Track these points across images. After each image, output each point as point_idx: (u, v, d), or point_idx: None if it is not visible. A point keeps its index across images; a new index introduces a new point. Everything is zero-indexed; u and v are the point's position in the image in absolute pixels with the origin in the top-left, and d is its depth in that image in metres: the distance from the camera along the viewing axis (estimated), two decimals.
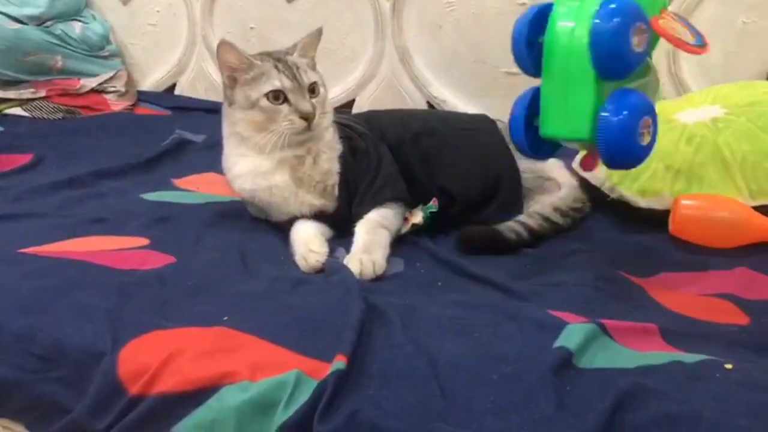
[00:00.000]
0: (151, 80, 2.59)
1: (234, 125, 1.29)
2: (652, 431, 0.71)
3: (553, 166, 1.50)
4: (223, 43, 1.25)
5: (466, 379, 0.80)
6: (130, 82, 2.50)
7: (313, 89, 1.26)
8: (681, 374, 0.82)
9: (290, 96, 1.23)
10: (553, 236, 1.36)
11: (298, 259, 1.18)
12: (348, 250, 1.20)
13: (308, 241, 1.21)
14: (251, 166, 1.28)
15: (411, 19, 2.07)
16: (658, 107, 1.62)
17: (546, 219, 1.36)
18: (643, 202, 1.44)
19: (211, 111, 2.34)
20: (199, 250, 1.24)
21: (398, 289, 1.12)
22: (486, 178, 1.38)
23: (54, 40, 2.31)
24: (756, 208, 1.36)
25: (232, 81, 1.27)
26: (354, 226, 1.24)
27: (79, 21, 2.43)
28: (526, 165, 1.44)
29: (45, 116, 2.26)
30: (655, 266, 1.26)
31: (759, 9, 1.74)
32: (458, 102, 2.09)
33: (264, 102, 1.23)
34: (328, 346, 0.85)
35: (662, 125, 1.50)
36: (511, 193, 1.39)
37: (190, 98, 2.49)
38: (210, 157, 1.88)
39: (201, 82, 2.50)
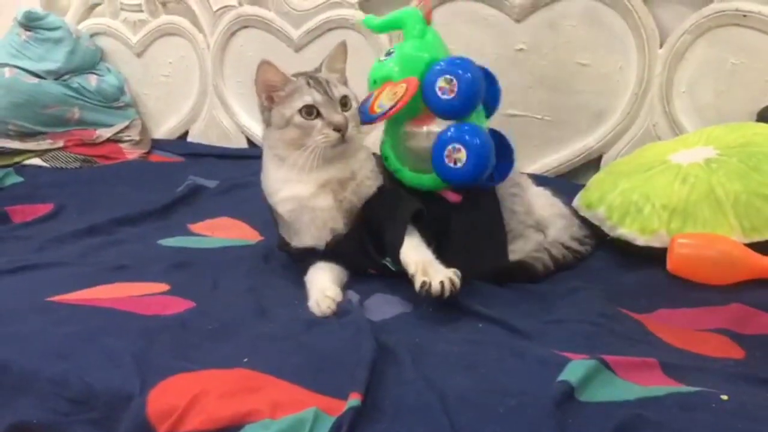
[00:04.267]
0: (164, 128, 2.67)
1: (273, 147, 1.33)
2: None
3: (551, 206, 1.58)
4: (264, 63, 1.29)
5: (474, 413, 0.85)
6: (144, 130, 2.59)
7: (344, 103, 1.30)
8: (678, 405, 0.86)
9: (322, 110, 1.26)
10: (555, 273, 1.41)
11: (312, 304, 1.22)
12: (359, 291, 1.25)
13: (323, 288, 1.25)
14: (295, 191, 1.31)
15: None
16: (656, 148, 1.71)
17: (567, 248, 1.46)
18: (641, 240, 1.49)
19: (223, 157, 2.43)
20: (217, 295, 1.29)
21: (407, 328, 1.17)
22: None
23: (71, 93, 2.41)
24: (749, 245, 1.40)
25: (269, 101, 1.32)
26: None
27: (95, 74, 2.53)
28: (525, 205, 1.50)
29: (63, 166, 2.34)
30: (653, 302, 1.30)
31: (747, 50, 1.81)
32: None
33: (298, 118, 1.26)
34: (342, 384, 0.89)
35: (658, 166, 1.59)
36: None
37: (202, 145, 2.57)
38: (223, 201, 1.97)
39: (213, 129, 2.58)
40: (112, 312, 1.16)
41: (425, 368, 0.97)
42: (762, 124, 1.67)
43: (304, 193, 1.31)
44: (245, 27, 2.43)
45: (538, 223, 1.52)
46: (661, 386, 0.92)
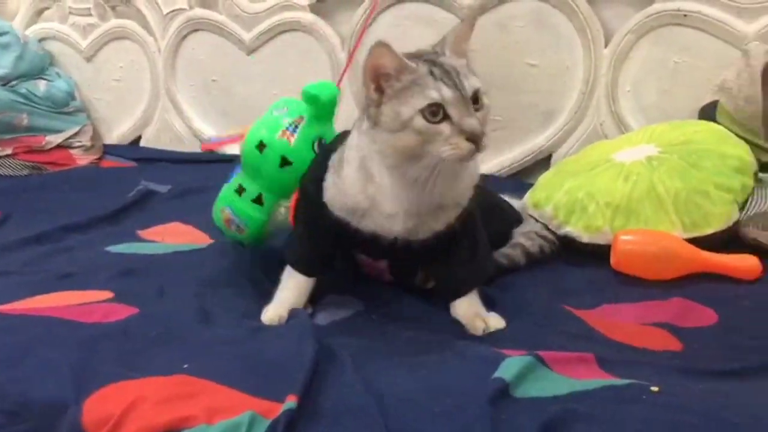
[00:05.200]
0: (116, 133, 2.65)
1: (381, 153, 1.04)
2: None
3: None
4: (379, 44, 0.98)
5: (411, 413, 0.86)
6: (95, 136, 2.56)
7: (476, 99, 1.00)
8: (610, 398, 0.88)
9: (452, 111, 0.97)
10: (505, 274, 1.42)
11: (264, 311, 1.20)
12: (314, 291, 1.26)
13: (283, 304, 1.20)
14: (375, 204, 1.09)
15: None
16: (601, 147, 1.75)
17: (543, 238, 1.48)
18: (586, 238, 1.52)
19: (177, 161, 2.42)
20: (162, 301, 1.27)
21: (356, 330, 1.18)
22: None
23: (19, 99, 2.37)
24: (690, 241, 1.44)
25: (380, 94, 1.01)
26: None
27: (44, 79, 2.50)
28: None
29: (11, 173, 2.31)
30: (597, 299, 1.32)
31: (690, 50, 1.85)
32: None
33: (419, 121, 0.97)
34: (281, 387, 0.89)
35: (602, 164, 1.62)
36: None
37: (155, 149, 2.55)
38: (174, 206, 1.95)
39: (165, 133, 2.57)
40: (53, 321, 1.14)
41: (367, 370, 0.97)
42: (703, 122, 1.71)
43: (387, 210, 1.08)
44: (196, 30, 2.42)
45: None
46: (595, 379, 0.94)
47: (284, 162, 1.30)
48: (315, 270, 1.25)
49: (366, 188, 1.08)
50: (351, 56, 1.32)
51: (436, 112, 0.96)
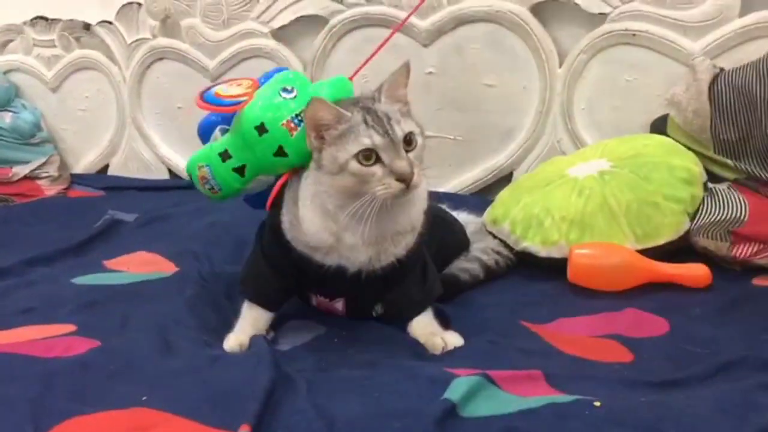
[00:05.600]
0: (84, 163, 2.67)
1: (327, 194, 1.13)
2: None
3: (466, 222, 1.66)
4: (315, 100, 1.08)
5: None
6: (62, 166, 2.58)
7: (409, 141, 1.09)
8: (553, 414, 0.91)
9: (383, 155, 1.06)
10: (465, 290, 1.47)
11: (226, 339, 1.22)
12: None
13: (243, 329, 1.24)
14: (335, 239, 1.15)
15: None
16: (556, 163, 1.79)
17: (498, 253, 1.54)
18: (543, 252, 1.56)
19: (145, 189, 2.43)
20: (124, 332, 1.28)
21: (315, 354, 1.20)
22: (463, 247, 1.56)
23: None
24: (642, 251, 1.49)
25: (319, 141, 1.11)
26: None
27: (10, 111, 2.52)
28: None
29: None
30: (553, 312, 1.36)
31: (638, 67, 1.91)
32: None
33: (354, 165, 1.06)
34: (235, 416, 0.91)
35: (557, 180, 1.66)
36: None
37: (123, 177, 2.58)
38: (141, 235, 1.96)
39: (133, 161, 2.59)
40: (11, 357, 1.14)
41: (320, 396, 0.99)
42: (652, 135, 1.77)
43: (349, 242, 1.15)
44: (160, 59, 2.45)
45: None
46: (541, 396, 0.97)
47: (280, 152, 1.20)
48: (275, 305, 1.29)
49: (328, 226, 1.15)
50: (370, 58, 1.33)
51: (369, 156, 1.06)
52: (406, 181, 1.06)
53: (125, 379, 1.08)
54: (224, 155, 1.26)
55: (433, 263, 1.35)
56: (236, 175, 1.27)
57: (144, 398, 1.00)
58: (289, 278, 1.27)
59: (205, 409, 0.96)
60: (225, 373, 1.08)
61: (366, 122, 1.07)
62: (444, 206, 1.68)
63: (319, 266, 1.19)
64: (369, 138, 1.06)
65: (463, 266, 1.50)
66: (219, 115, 1.32)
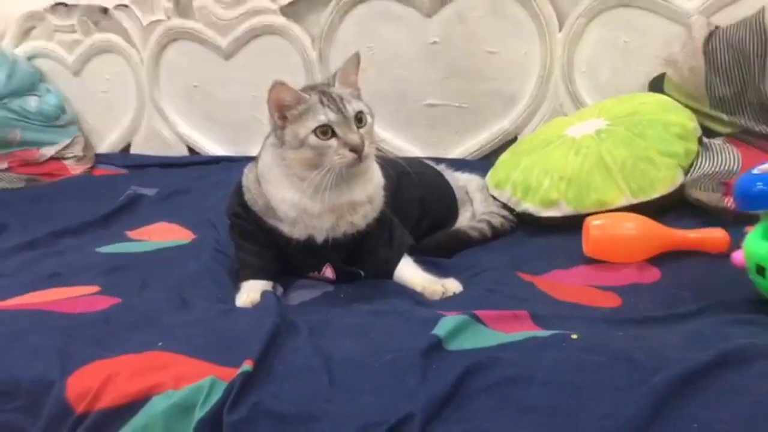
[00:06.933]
0: (107, 143, 2.75)
1: (290, 167, 1.27)
2: (490, 391, 0.87)
3: (468, 181, 1.74)
4: (276, 83, 1.23)
5: (353, 370, 0.96)
6: (87, 146, 2.67)
7: (360, 119, 1.25)
8: (532, 346, 0.97)
9: (337, 129, 1.22)
10: (473, 246, 1.54)
11: (238, 296, 1.32)
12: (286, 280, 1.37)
13: (253, 286, 1.32)
14: (301, 209, 1.29)
15: (336, 64, 2.22)
16: (555, 124, 1.83)
17: (504, 217, 1.61)
18: (543, 212, 1.60)
19: (166, 166, 2.51)
20: (143, 292, 1.36)
21: (321, 307, 1.28)
22: (449, 203, 1.63)
23: (12, 116, 2.48)
24: (637, 205, 1.52)
25: (283, 120, 1.26)
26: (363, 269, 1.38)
27: (35, 95, 2.60)
28: (454, 183, 1.68)
29: (7, 186, 2.41)
30: (550, 265, 1.40)
31: (637, 29, 1.94)
32: (388, 135, 2.26)
33: (312, 138, 1.22)
34: (241, 355, 0.99)
35: (555, 141, 1.70)
36: (455, 211, 1.64)
37: (144, 156, 2.65)
38: (162, 207, 2.05)
39: (154, 140, 2.66)
40: (40, 313, 1.24)
41: (320, 338, 1.07)
42: (649, 94, 1.81)
43: (313, 211, 1.29)
44: (176, 39, 2.51)
45: (467, 194, 1.69)
46: (523, 332, 1.03)
47: None
48: (272, 274, 1.38)
49: (290, 198, 1.30)
50: None
51: (325, 131, 1.22)
52: (357, 151, 1.22)
53: (143, 329, 1.16)
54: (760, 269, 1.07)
55: (425, 225, 1.51)
56: None
57: (160, 344, 1.09)
58: (270, 256, 1.38)
59: (215, 351, 1.04)
60: (234, 323, 1.16)
61: (322, 102, 1.23)
62: (447, 170, 1.75)
63: (289, 240, 1.33)
64: (325, 115, 1.22)
65: (474, 225, 1.59)
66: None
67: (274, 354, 1.02)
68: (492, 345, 0.99)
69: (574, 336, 0.99)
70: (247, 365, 0.96)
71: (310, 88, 1.29)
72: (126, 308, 1.27)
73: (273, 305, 1.21)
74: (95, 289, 1.39)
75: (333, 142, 1.23)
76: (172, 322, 1.19)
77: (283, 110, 1.25)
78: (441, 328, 1.02)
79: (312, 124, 1.22)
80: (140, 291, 1.38)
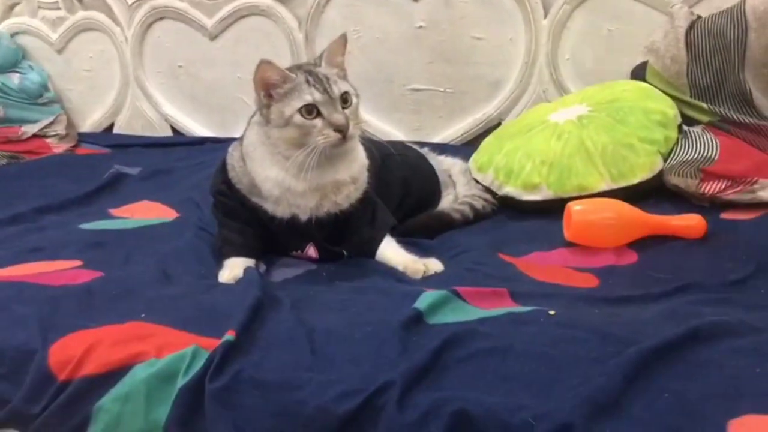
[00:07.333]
0: (90, 122, 2.73)
1: (275, 146, 1.28)
2: (468, 361, 0.89)
3: (451, 165, 1.76)
4: (263, 62, 1.23)
5: (334, 341, 0.97)
6: (70, 125, 2.64)
7: (345, 99, 1.26)
8: (510, 321, 1.00)
9: (323, 109, 1.22)
10: (454, 228, 1.55)
11: (221, 273, 1.31)
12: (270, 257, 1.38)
13: (236, 262, 1.32)
14: (285, 187, 1.29)
15: (322, 47, 2.22)
16: (539, 110, 1.85)
17: (485, 200, 1.62)
18: (525, 196, 1.62)
19: (149, 146, 2.49)
20: (126, 266, 1.37)
21: (305, 283, 1.29)
22: (432, 184, 1.64)
23: None
24: (617, 190, 1.54)
25: (268, 99, 1.27)
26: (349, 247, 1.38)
27: (18, 72, 2.57)
28: (437, 167, 1.69)
29: None
30: (530, 247, 1.42)
31: (621, 18, 1.96)
32: (372, 119, 2.26)
33: (298, 118, 1.23)
34: (223, 326, 1.00)
35: (538, 126, 1.72)
36: (438, 193, 1.65)
37: (127, 135, 2.64)
38: (145, 186, 2.03)
39: (137, 120, 2.64)
40: (23, 285, 1.24)
41: (303, 311, 1.08)
42: (631, 81, 1.82)
43: (297, 190, 1.29)
44: (161, 18, 2.49)
45: (450, 177, 1.70)
46: (502, 308, 1.05)
47: None
48: (254, 251, 1.37)
49: (274, 176, 1.30)
50: None
51: (311, 110, 1.23)
52: (342, 131, 1.23)
53: (126, 301, 1.17)
54: None
55: (407, 206, 1.52)
56: None
57: (143, 315, 1.09)
58: (252, 234, 1.38)
59: (197, 322, 1.05)
60: (218, 297, 1.18)
61: (308, 82, 1.24)
62: (431, 153, 1.76)
63: (273, 218, 1.33)
64: (311, 95, 1.22)
65: (456, 207, 1.59)
66: None
67: (257, 325, 1.03)
68: (471, 319, 1.01)
69: (551, 312, 1.02)
70: (229, 335, 0.97)
71: (297, 68, 1.30)
72: (109, 281, 1.27)
73: (256, 280, 1.22)
74: (78, 263, 1.39)
75: (318, 121, 1.23)
76: (155, 295, 1.20)
77: (269, 89, 1.26)
78: (421, 302, 1.04)
79: (297, 103, 1.23)
80: (123, 265, 1.38)
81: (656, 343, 0.88)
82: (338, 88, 1.25)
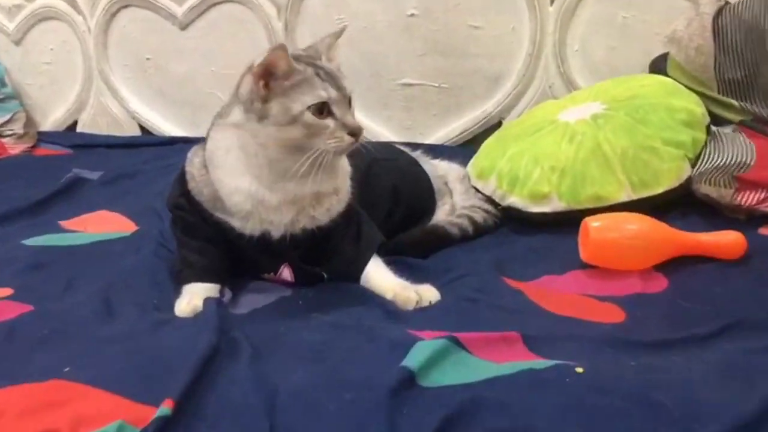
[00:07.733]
0: (51, 120, 2.60)
1: (262, 146, 1.11)
2: None
3: (448, 171, 1.62)
4: (279, 47, 1.07)
5: (302, 411, 0.78)
6: (29, 123, 2.50)
7: (350, 102, 1.14)
8: (528, 383, 0.81)
9: (336, 109, 1.09)
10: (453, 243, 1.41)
11: (177, 303, 1.14)
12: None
13: (196, 291, 1.16)
14: (258, 200, 1.14)
15: (304, 36, 2.09)
16: (546, 107, 1.69)
17: (486, 211, 1.49)
18: (532, 207, 1.46)
19: (114, 146, 2.37)
20: (64, 296, 1.21)
21: (274, 317, 1.13)
22: (426, 193, 1.50)
23: None
24: (639, 201, 1.39)
25: (266, 90, 1.09)
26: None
27: None
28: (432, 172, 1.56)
29: None
30: (539, 269, 1.27)
31: (637, 4, 1.83)
32: (358, 117, 2.07)
33: (308, 116, 1.07)
34: (162, 389, 0.81)
35: (546, 126, 1.57)
36: (432, 203, 1.50)
37: (91, 135, 2.50)
38: (104, 193, 1.90)
39: (102, 117, 2.51)
40: None
41: (267, 363, 0.90)
42: (650, 75, 1.69)
43: (271, 203, 1.14)
44: (126, 6, 2.36)
45: (447, 185, 1.56)
46: (517, 362, 0.87)
47: None
48: (217, 276, 1.20)
49: (245, 186, 1.14)
50: None
51: (321, 109, 1.08)
52: (356, 135, 1.10)
53: (51, 348, 1.00)
54: None
55: (397, 219, 1.39)
56: None
57: (66, 369, 0.91)
58: (220, 248, 1.22)
59: (131, 381, 0.87)
60: (164, 340, 1.00)
61: (320, 76, 1.10)
62: (424, 157, 1.61)
63: (240, 236, 1.17)
64: (325, 91, 1.08)
65: (453, 221, 1.46)
66: None
67: (205, 387, 0.84)
68: (478, 380, 0.83)
69: (579, 369, 0.84)
70: (165, 407, 0.77)
71: (295, 58, 1.12)
72: (38, 317, 1.11)
73: (212, 317, 1.04)
74: (8, 292, 1.23)
75: (330, 122, 1.09)
76: (89, 337, 1.03)
77: (270, 78, 1.09)
78: (414, 358, 0.85)
79: (309, 99, 1.08)
80: (60, 294, 1.23)
81: (727, 426, 0.68)
82: (348, 86, 1.13)
